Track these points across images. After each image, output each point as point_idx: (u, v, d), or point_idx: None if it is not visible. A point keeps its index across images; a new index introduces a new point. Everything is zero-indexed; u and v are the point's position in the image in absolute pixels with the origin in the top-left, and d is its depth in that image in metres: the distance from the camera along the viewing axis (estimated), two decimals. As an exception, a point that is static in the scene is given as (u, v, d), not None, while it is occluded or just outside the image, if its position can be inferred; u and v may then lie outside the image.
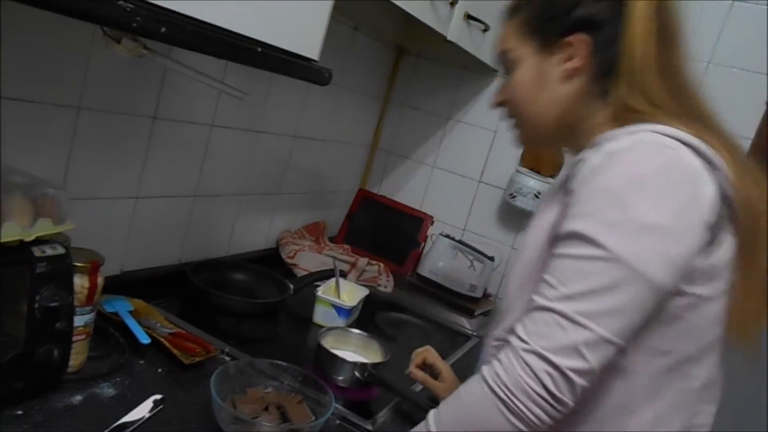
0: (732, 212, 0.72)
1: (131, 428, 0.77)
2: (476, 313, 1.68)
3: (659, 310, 0.70)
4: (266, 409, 0.88)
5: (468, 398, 0.74)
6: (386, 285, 1.70)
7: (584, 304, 0.67)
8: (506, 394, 0.68)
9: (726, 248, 0.72)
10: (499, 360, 0.71)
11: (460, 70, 1.92)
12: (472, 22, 1.44)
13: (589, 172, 0.70)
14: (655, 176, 0.67)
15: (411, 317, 1.59)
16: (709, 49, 1.61)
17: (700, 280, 0.71)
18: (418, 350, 1.16)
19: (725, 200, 0.71)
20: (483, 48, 1.60)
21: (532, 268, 0.76)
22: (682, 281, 0.70)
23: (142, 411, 0.80)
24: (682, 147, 0.69)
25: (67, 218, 0.81)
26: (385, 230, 1.93)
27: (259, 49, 0.79)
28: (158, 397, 0.82)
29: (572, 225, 0.70)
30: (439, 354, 1.38)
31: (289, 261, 1.62)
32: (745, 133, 1.55)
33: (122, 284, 1.14)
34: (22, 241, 0.75)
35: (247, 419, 0.82)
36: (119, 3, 0.58)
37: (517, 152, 1.84)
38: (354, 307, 1.35)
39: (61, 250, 0.79)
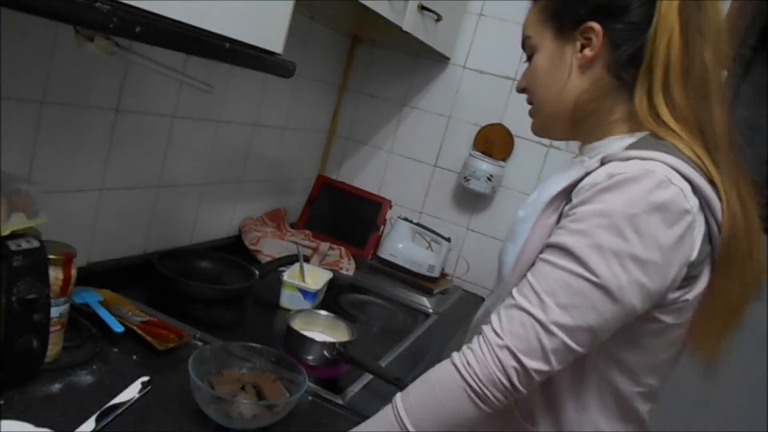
0: (713, 251, 0.74)
1: (122, 409, 0.80)
2: (435, 292, 1.76)
3: (626, 328, 0.74)
4: (243, 388, 0.92)
5: (438, 384, 0.77)
6: (348, 268, 1.75)
7: (561, 316, 0.71)
8: (477, 383, 0.73)
9: (701, 284, 0.75)
10: (471, 350, 0.75)
11: (414, 57, 1.97)
12: (426, 12, 1.50)
13: (592, 190, 0.72)
14: (654, 212, 0.69)
15: (373, 298, 1.65)
16: None
17: (671, 311, 0.75)
18: None
19: (710, 239, 0.73)
20: (436, 37, 1.66)
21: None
22: (655, 310, 0.74)
23: (132, 392, 0.83)
24: (686, 185, 0.70)
25: (39, 212, 0.82)
26: (344, 215, 1.98)
27: (227, 45, 0.82)
28: (146, 378, 0.85)
29: (566, 239, 0.72)
30: (401, 332, 1.46)
31: (252, 248, 1.65)
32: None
33: (89, 275, 1.15)
34: (-3, 236, 0.76)
35: (226, 397, 0.87)
36: (96, 5, 0.60)
37: (470, 137, 1.92)
38: (319, 290, 1.40)
39: (36, 244, 0.81)
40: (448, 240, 1.81)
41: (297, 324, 1.18)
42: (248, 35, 0.87)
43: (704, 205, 0.72)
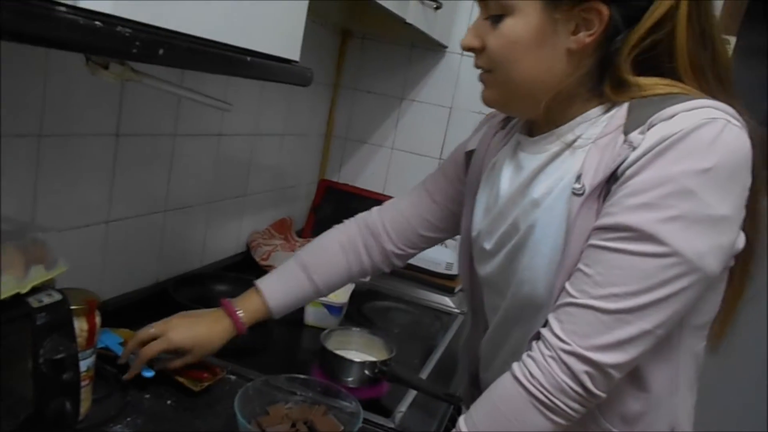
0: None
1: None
2: (456, 290, 1.70)
3: None
4: (294, 425, 0.86)
5: (502, 401, 0.71)
6: (364, 274, 1.68)
7: (632, 301, 0.63)
8: (545, 395, 0.67)
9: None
10: (532, 359, 0.69)
11: (408, 49, 1.90)
12: (426, 1, 1.42)
13: (645, 158, 0.63)
14: (722, 163, 0.62)
15: (395, 303, 1.59)
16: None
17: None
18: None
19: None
20: (435, 26, 1.59)
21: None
22: None
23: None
24: (743, 126, 0.64)
25: (58, 261, 0.74)
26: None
27: (249, 59, 0.74)
28: None
29: (627, 217, 0.64)
30: (432, 337, 1.41)
31: (264, 263, 1.58)
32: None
33: (104, 315, 1.07)
34: (18, 294, 0.68)
35: (280, 441, 0.80)
36: (117, 30, 0.52)
37: (474, 126, 1.85)
38: (344, 303, 1.34)
39: (58, 296, 0.73)
40: (464, 235, 1.75)
41: (332, 344, 1.12)
42: (266, 44, 0.79)
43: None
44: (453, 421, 1.11)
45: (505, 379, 0.72)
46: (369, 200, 1.91)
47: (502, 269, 0.82)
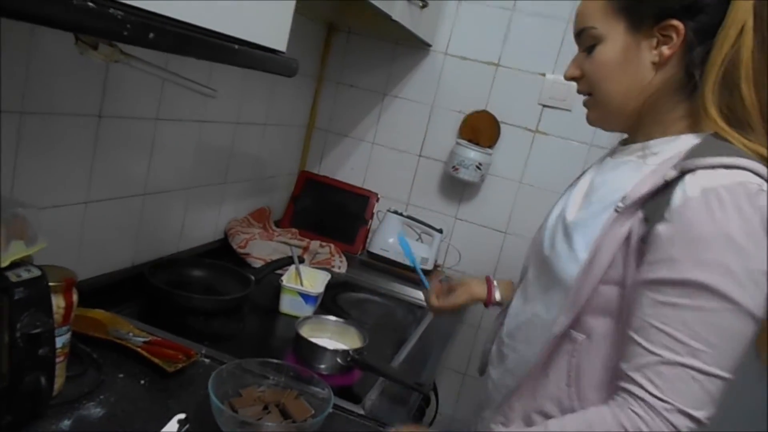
0: None
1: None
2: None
3: None
4: (265, 408, 0.88)
5: None
6: (340, 266, 1.71)
7: (714, 355, 0.68)
8: None
9: None
10: (639, 416, 0.70)
11: (393, 45, 1.92)
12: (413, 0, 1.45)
13: (692, 210, 0.69)
14: (761, 223, 0.68)
15: (370, 295, 1.62)
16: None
17: None
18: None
19: None
20: (421, 24, 1.61)
21: (603, 277, 0.77)
22: None
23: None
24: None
25: (38, 237, 0.75)
26: (331, 210, 1.93)
27: (236, 47, 0.76)
28: (182, 416, 0.79)
29: (692, 274, 0.68)
30: (404, 329, 1.44)
31: (241, 251, 1.59)
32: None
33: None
34: (-4, 268, 0.69)
35: (252, 422, 0.82)
36: (110, 12, 0.54)
37: (455, 125, 1.89)
38: (320, 293, 1.36)
39: (36, 272, 0.74)
40: (440, 231, 1.79)
41: (306, 332, 1.14)
42: (253, 34, 0.81)
43: None
44: (420, 410, 1.15)
45: (607, 416, 0.73)
46: (348, 193, 1.93)
47: (542, 257, 0.89)
